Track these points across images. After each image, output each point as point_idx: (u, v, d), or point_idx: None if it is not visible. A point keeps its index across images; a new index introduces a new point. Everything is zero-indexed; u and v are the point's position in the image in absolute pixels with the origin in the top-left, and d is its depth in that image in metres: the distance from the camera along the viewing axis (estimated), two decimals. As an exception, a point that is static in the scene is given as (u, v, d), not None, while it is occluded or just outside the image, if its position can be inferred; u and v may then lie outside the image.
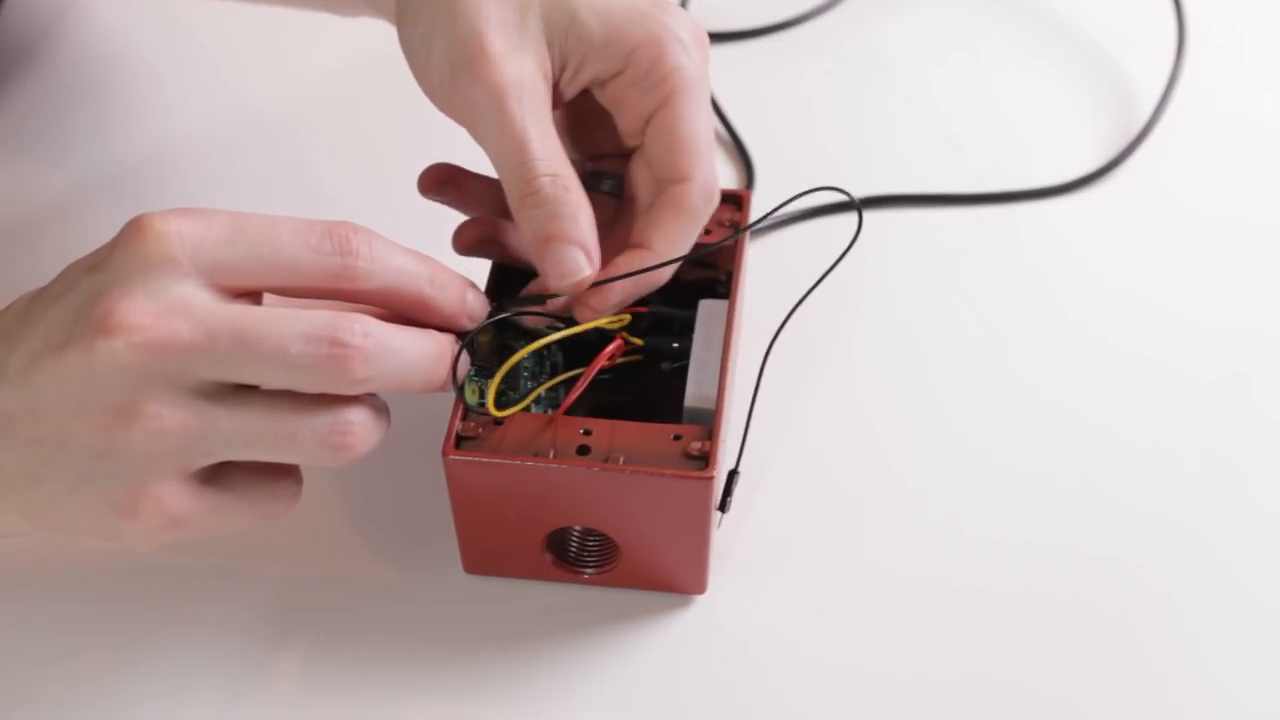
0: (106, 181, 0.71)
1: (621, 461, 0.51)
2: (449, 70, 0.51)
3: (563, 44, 0.51)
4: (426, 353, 0.48)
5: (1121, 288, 0.67)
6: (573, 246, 0.50)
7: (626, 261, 0.52)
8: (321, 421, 0.46)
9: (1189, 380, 0.63)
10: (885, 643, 0.55)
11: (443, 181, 0.55)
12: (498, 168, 0.52)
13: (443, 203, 0.55)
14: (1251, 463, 0.61)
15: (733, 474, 0.54)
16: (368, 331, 0.46)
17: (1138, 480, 0.60)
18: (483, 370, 0.53)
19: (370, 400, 0.48)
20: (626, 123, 0.53)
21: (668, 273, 0.53)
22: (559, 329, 0.54)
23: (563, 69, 0.52)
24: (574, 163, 0.55)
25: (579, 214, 0.51)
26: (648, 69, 0.51)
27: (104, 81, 0.76)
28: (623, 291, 0.52)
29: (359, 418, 0.47)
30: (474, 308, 0.50)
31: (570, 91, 0.53)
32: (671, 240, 0.52)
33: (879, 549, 0.58)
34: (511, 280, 0.57)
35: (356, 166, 0.72)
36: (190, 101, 0.76)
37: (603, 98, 0.53)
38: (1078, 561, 0.57)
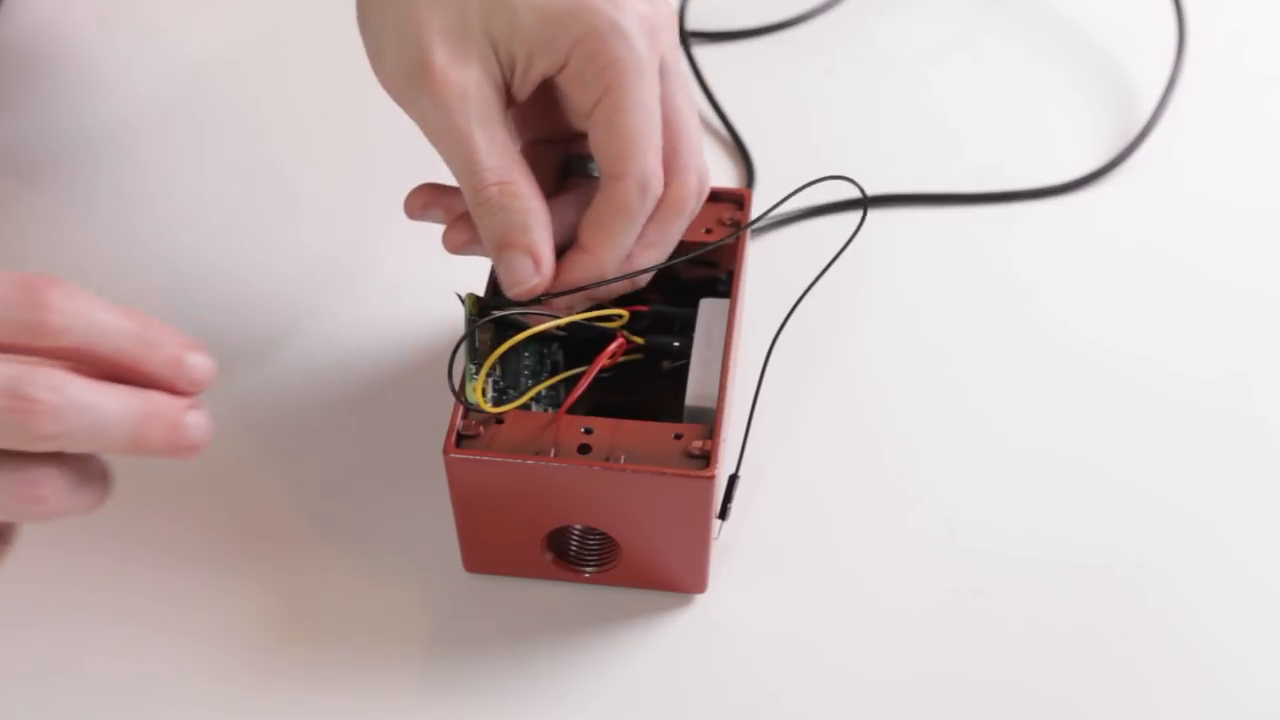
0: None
1: (623, 460, 0.51)
2: (399, 79, 0.51)
3: (507, 45, 0.51)
4: (132, 410, 0.44)
5: (1121, 288, 0.67)
6: (520, 254, 0.51)
7: (570, 261, 0.52)
8: (8, 477, 0.43)
9: (1188, 382, 0.63)
10: (885, 642, 0.55)
11: (426, 204, 0.55)
12: (453, 175, 0.52)
13: (432, 221, 0.55)
14: (1248, 465, 0.61)
15: (733, 479, 0.54)
16: (55, 386, 0.42)
17: (1136, 482, 0.60)
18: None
19: (73, 459, 0.44)
20: (581, 112, 0.52)
21: (604, 275, 0.52)
22: (559, 327, 0.54)
23: (512, 69, 0.51)
24: (559, 146, 0.55)
25: (528, 220, 0.51)
26: (586, 63, 0.50)
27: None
28: (566, 301, 0.52)
29: (50, 474, 0.43)
30: (194, 369, 0.46)
31: (525, 89, 0.52)
32: (607, 238, 0.52)
33: (879, 549, 0.58)
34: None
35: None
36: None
37: (561, 88, 0.53)
38: (1075, 562, 0.57)
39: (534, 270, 0.51)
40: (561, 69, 0.51)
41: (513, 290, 0.51)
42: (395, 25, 0.51)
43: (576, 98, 0.51)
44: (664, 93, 0.52)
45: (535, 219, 0.51)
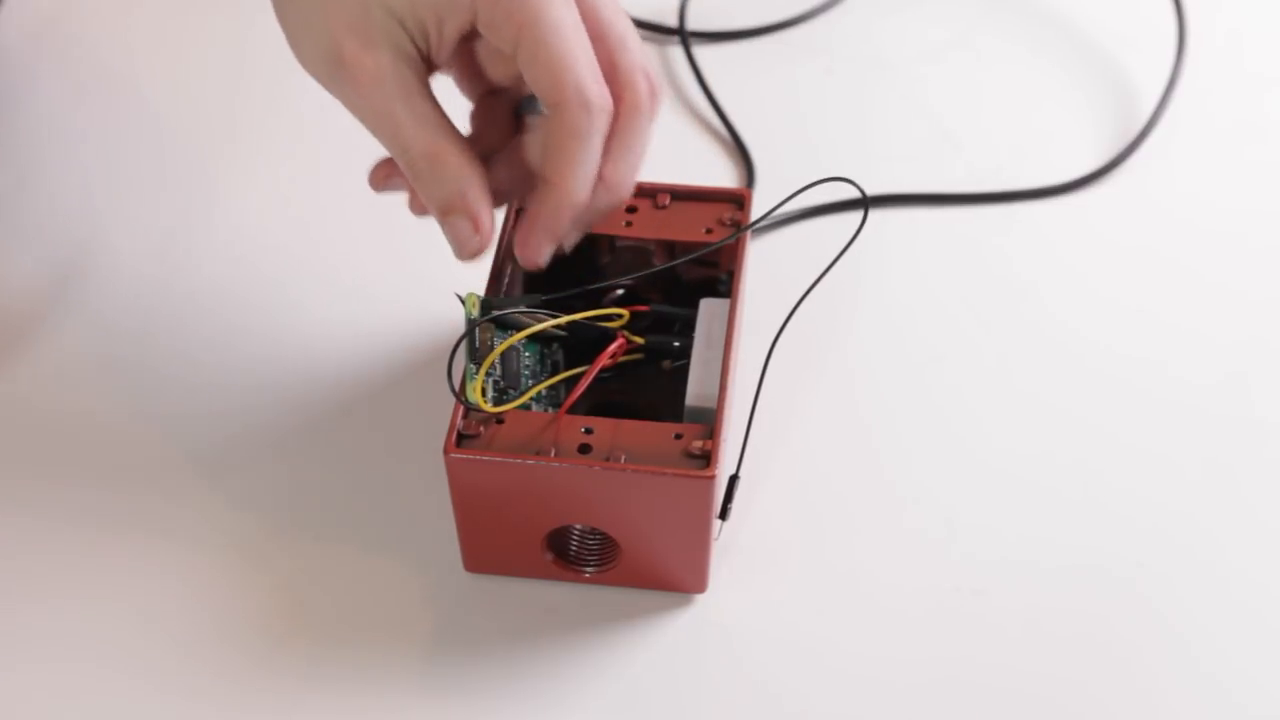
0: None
1: (623, 460, 0.51)
2: (318, 71, 0.52)
3: (413, 16, 0.51)
4: None
5: (1120, 289, 0.67)
6: (458, 218, 0.52)
7: (538, 198, 0.52)
8: None
9: (1188, 383, 0.63)
10: (885, 642, 0.55)
11: (389, 175, 0.55)
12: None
13: (395, 190, 0.55)
14: (1248, 466, 0.61)
15: (733, 479, 0.53)
16: None
17: (1135, 483, 0.60)
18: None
19: None
20: (508, 54, 0.52)
21: (576, 203, 0.52)
22: (559, 327, 0.54)
23: (425, 37, 0.52)
24: (511, 92, 0.55)
25: (461, 185, 0.51)
26: (492, 9, 0.50)
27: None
28: (544, 237, 0.52)
29: None
30: None
31: (445, 51, 0.52)
32: (565, 166, 0.51)
33: (879, 549, 0.58)
34: (515, 278, 0.58)
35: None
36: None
37: (483, 37, 0.53)
38: (1075, 563, 0.57)
39: (473, 231, 0.51)
40: (474, 21, 0.51)
41: (459, 255, 0.52)
42: (306, 22, 0.52)
43: (498, 43, 0.52)
44: (585, 9, 0.52)
45: (469, 182, 0.51)
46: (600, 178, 0.52)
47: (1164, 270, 0.68)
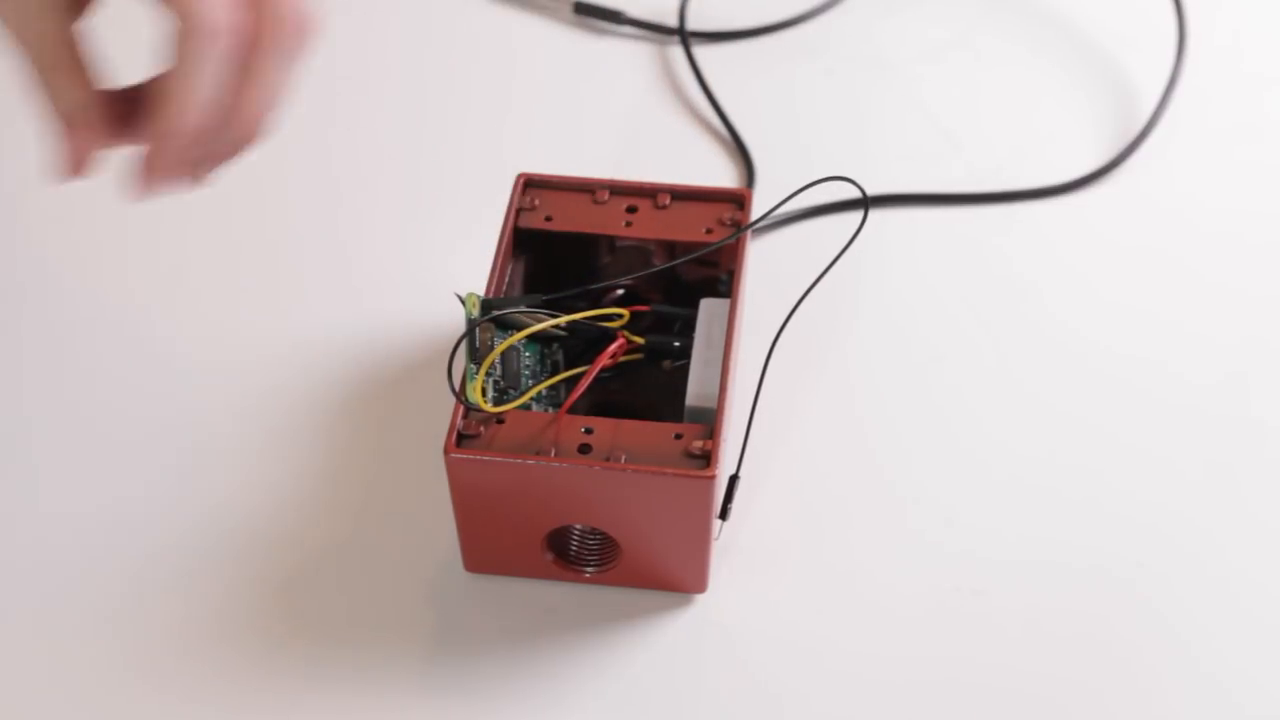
0: None
1: (623, 460, 0.51)
2: None
3: None
4: None
5: (1121, 289, 0.67)
6: (66, 136, 0.50)
7: (154, 118, 0.50)
8: None
9: (1188, 383, 0.63)
10: (885, 643, 0.55)
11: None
12: None
13: None
14: (1247, 466, 0.61)
15: (733, 479, 0.54)
16: None
17: (1135, 483, 0.60)
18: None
19: None
20: None
21: (179, 128, 0.49)
22: (559, 327, 0.54)
23: None
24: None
25: (69, 104, 0.50)
26: None
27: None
28: (154, 166, 0.50)
29: None
30: None
31: None
32: (168, 91, 0.49)
33: (879, 549, 0.58)
34: (516, 279, 0.58)
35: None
36: None
37: None
38: (1075, 563, 0.58)
39: (69, 148, 0.50)
40: None
41: (60, 172, 0.51)
42: None
43: None
44: None
45: (75, 102, 0.50)
46: (237, 103, 0.50)
47: (1164, 270, 0.68)
